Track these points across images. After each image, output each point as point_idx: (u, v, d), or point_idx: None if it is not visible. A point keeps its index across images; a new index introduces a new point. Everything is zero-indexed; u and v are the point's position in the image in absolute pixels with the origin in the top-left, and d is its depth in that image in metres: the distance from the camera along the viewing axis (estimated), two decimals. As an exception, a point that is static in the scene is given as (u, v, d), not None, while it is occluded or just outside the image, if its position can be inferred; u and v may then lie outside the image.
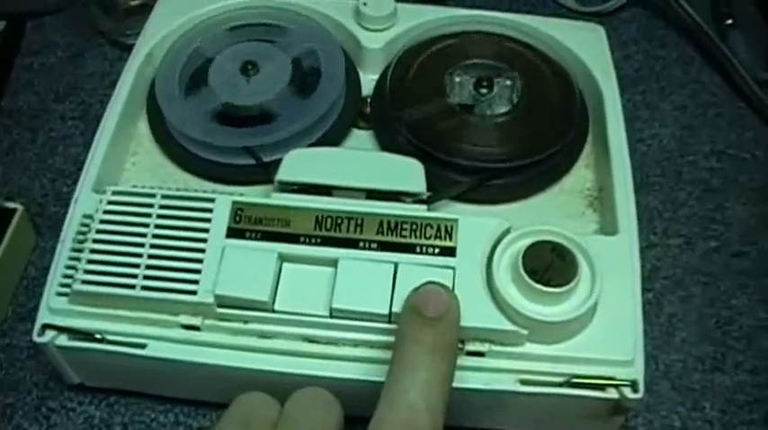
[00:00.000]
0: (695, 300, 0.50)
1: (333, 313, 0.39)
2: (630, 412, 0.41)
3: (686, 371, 0.47)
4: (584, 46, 0.52)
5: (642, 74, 0.62)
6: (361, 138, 0.50)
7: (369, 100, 0.51)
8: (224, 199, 0.42)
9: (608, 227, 0.44)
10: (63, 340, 0.41)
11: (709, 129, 0.59)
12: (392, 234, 0.41)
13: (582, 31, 0.53)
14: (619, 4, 0.65)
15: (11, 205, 0.50)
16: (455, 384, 0.37)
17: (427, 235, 0.40)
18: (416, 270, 0.39)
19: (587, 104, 0.50)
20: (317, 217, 0.41)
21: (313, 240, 0.41)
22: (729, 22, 0.64)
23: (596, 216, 0.46)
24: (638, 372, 0.39)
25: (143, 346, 0.40)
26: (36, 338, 0.41)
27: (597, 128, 0.49)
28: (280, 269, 0.40)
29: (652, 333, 0.49)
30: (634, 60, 0.63)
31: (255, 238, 0.41)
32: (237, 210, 0.41)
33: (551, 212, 0.46)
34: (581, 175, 0.48)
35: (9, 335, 0.49)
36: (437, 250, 0.40)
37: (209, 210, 0.41)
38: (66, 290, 0.41)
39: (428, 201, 0.43)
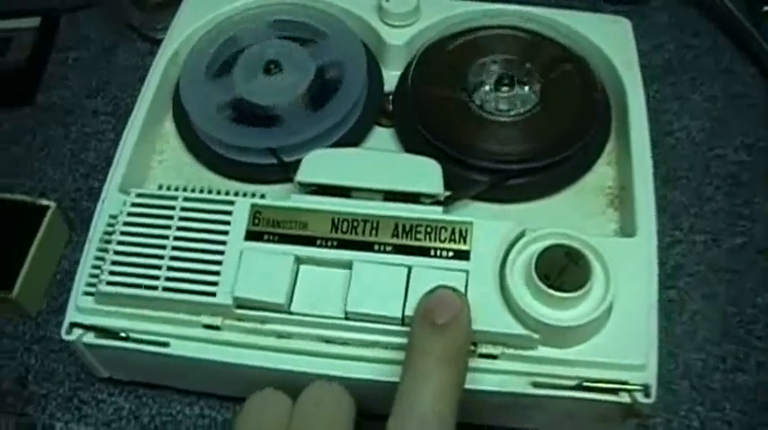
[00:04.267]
0: (719, 297, 0.50)
1: (347, 315, 0.40)
2: (647, 415, 0.41)
3: (707, 371, 0.47)
4: (609, 39, 0.51)
5: (673, 64, 0.61)
6: (382, 135, 0.50)
7: (391, 97, 0.51)
8: (243, 202, 0.43)
9: (627, 227, 0.44)
10: (90, 338, 0.42)
11: (741, 121, 0.58)
12: (407, 237, 0.41)
13: (606, 24, 0.52)
14: (650, -9, 0.64)
15: (44, 202, 0.52)
16: (469, 385, 0.37)
17: (442, 238, 0.41)
18: (430, 273, 0.40)
19: (610, 99, 0.50)
20: (334, 219, 0.42)
21: (329, 243, 0.41)
22: (766, 9, 0.62)
23: (617, 215, 0.46)
24: (650, 377, 0.39)
25: (166, 345, 0.42)
26: (65, 336, 0.43)
27: (620, 124, 0.49)
28: (297, 271, 0.41)
29: (674, 331, 0.49)
30: (665, 50, 0.62)
31: (273, 241, 0.42)
32: (256, 213, 0.42)
33: (571, 211, 0.46)
34: (603, 173, 0.48)
35: (43, 328, 0.51)
36: (451, 253, 0.40)
37: (229, 213, 0.42)
38: (93, 289, 0.43)
39: (446, 202, 0.43)
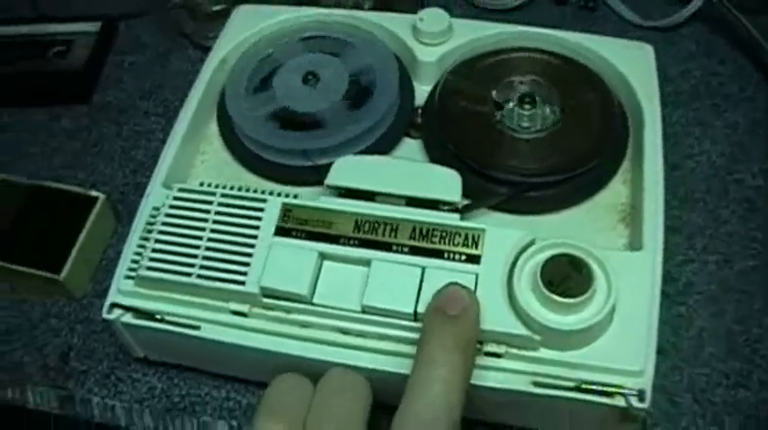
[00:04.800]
0: (727, 316, 0.51)
1: (364, 309, 0.43)
2: (647, 421, 0.43)
3: (710, 386, 0.49)
4: (631, 65, 0.53)
5: (699, 90, 0.63)
6: (411, 146, 0.53)
7: (420, 110, 0.54)
8: (275, 200, 0.46)
9: (635, 242, 0.46)
10: (128, 318, 0.46)
11: (760, 148, 0.59)
12: (423, 240, 0.44)
13: (630, 49, 0.55)
14: (680, 19, 0.66)
15: (94, 193, 0.56)
16: (475, 381, 0.40)
17: (455, 242, 0.44)
18: (442, 274, 0.42)
19: (629, 122, 0.52)
20: (357, 220, 0.45)
21: (351, 242, 0.44)
22: (793, 39, 0.64)
23: (627, 231, 0.48)
24: (646, 383, 0.41)
25: (197, 328, 0.45)
26: (105, 315, 0.46)
27: (636, 146, 0.51)
28: (320, 266, 0.44)
29: (681, 345, 0.50)
30: (691, 76, 0.64)
31: (300, 238, 0.45)
32: (286, 211, 0.45)
33: (584, 225, 0.49)
34: (617, 191, 0.50)
35: (87, 310, 0.54)
36: (463, 257, 0.43)
37: (261, 210, 0.46)
38: (133, 274, 0.46)
39: (463, 210, 0.46)
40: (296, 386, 0.40)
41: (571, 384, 0.41)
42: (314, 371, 0.41)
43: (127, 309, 0.46)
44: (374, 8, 0.65)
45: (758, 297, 0.52)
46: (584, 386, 0.41)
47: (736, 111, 0.61)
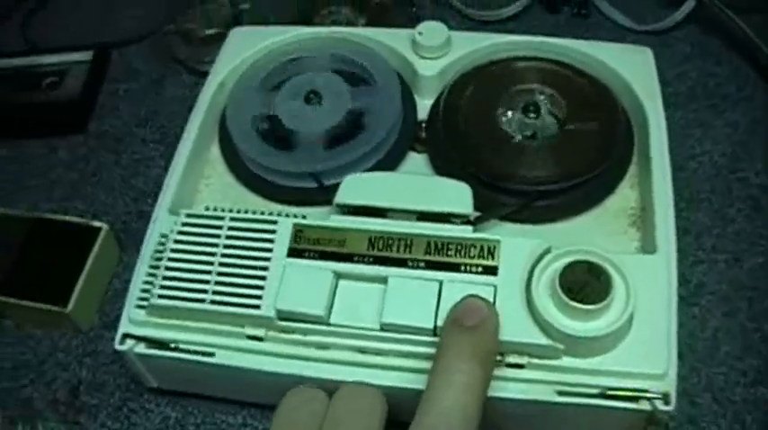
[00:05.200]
0: (740, 314, 0.51)
1: (383, 327, 0.42)
2: (669, 424, 0.43)
3: (728, 385, 0.49)
4: (631, 68, 0.53)
5: (696, 92, 0.63)
6: (416, 161, 0.53)
7: (424, 125, 0.54)
8: (286, 221, 0.46)
9: (648, 245, 0.46)
10: (141, 348, 0.45)
11: (761, 145, 0.60)
12: (438, 254, 0.44)
13: (629, 53, 0.55)
14: (674, 21, 0.66)
15: (96, 224, 0.55)
16: (497, 393, 0.40)
17: (471, 255, 0.43)
18: (460, 287, 0.42)
19: (633, 126, 0.52)
20: (370, 238, 0.44)
21: (366, 259, 0.44)
22: (786, 37, 0.64)
23: (638, 234, 0.48)
24: (670, 385, 0.41)
25: (212, 355, 0.44)
26: (117, 346, 0.45)
27: (642, 149, 0.51)
28: (335, 286, 0.44)
29: (696, 347, 0.50)
30: (688, 78, 0.64)
31: (314, 258, 0.44)
32: (297, 232, 0.45)
33: (595, 231, 0.49)
34: (625, 195, 0.50)
35: (95, 342, 0.54)
36: (480, 269, 0.43)
37: (273, 232, 0.45)
38: (145, 303, 0.46)
39: (476, 222, 0.46)
40: (309, 400, 0.40)
41: (596, 391, 0.41)
42: (333, 391, 0.41)
43: (139, 339, 0.45)
44: (368, 24, 0.65)
45: (770, 294, 0.52)
46: (608, 392, 0.41)
47: (736, 111, 0.62)
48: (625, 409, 0.41)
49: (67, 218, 0.56)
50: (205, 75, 0.58)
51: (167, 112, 0.66)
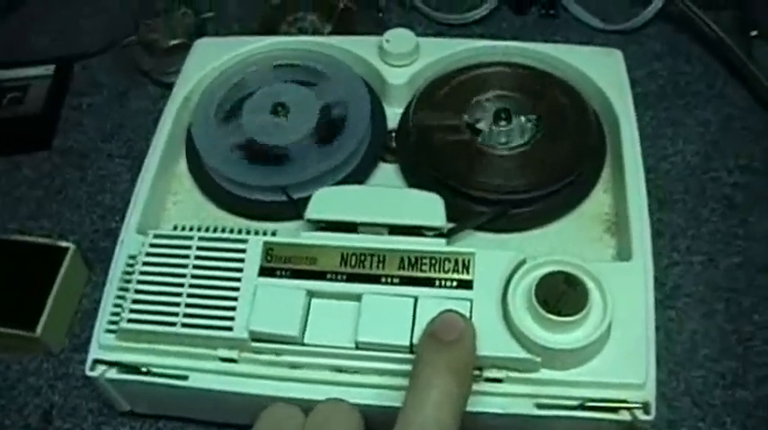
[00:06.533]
0: (717, 316, 0.51)
1: (358, 345, 0.42)
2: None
3: (707, 388, 0.49)
4: (601, 71, 0.53)
5: (667, 90, 0.63)
6: (387, 171, 0.52)
7: (393, 134, 0.53)
8: (256, 239, 0.45)
9: (623, 251, 0.46)
10: (113, 373, 0.44)
11: (734, 143, 0.60)
12: (412, 269, 0.43)
13: (598, 56, 0.54)
14: (643, 21, 0.66)
15: (64, 244, 0.54)
16: (476, 408, 0.40)
17: (445, 269, 0.43)
18: (435, 303, 0.41)
19: (605, 129, 0.52)
20: (343, 254, 0.44)
21: (339, 277, 0.43)
22: (754, 33, 0.64)
23: (613, 241, 0.48)
24: (649, 395, 0.40)
25: (185, 378, 0.43)
26: (88, 372, 0.44)
27: (614, 153, 0.51)
28: (308, 305, 0.43)
29: (674, 350, 0.50)
30: (658, 76, 0.64)
31: (286, 276, 0.43)
32: (268, 250, 0.44)
33: (570, 238, 0.48)
34: (599, 200, 0.50)
35: (66, 365, 0.53)
36: (455, 283, 0.42)
37: (243, 251, 0.44)
38: (114, 327, 0.44)
39: (449, 234, 0.45)
40: (286, 417, 0.39)
41: (575, 403, 0.41)
42: (309, 409, 0.40)
43: (110, 364, 0.44)
44: (335, 30, 0.64)
45: (746, 294, 0.52)
46: (588, 404, 0.40)
47: (707, 109, 0.62)
48: (605, 420, 0.40)
49: (33, 239, 0.55)
50: (170, 86, 0.56)
51: (133, 126, 0.65)
